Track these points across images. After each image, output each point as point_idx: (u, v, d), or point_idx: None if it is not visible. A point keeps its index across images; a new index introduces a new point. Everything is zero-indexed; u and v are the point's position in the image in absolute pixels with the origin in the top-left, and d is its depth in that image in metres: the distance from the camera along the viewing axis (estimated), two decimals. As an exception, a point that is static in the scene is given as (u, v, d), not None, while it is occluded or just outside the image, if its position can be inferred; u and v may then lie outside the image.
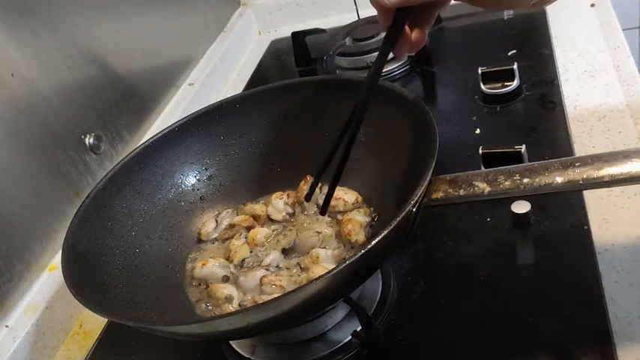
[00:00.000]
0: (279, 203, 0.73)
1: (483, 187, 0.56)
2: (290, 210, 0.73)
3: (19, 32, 0.83)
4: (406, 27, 0.59)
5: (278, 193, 0.74)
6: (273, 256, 0.67)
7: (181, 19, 1.23)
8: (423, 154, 0.57)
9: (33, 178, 0.82)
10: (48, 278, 0.80)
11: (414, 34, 0.60)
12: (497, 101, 0.92)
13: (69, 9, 0.93)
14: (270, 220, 0.74)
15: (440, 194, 0.57)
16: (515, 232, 0.70)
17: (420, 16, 0.60)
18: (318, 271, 0.62)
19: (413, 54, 1.08)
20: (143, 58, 1.10)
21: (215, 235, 0.73)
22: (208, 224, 0.74)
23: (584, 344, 0.56)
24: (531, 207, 0.69)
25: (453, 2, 0.61)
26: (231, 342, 0.67)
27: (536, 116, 0.87)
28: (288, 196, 0.74)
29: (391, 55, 0.62)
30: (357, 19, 1.24)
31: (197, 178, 0.77)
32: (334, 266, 0.50)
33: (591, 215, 0.69)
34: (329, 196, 0.64)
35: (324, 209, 0.66)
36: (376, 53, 1.06)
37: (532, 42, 1.04)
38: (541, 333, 0.58)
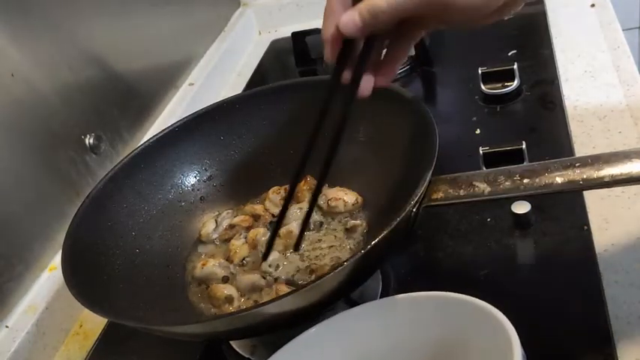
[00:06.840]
0: (276, 198, 0.74)
1: (483, 187, 0.56)
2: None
3: (19, 32, 0.83)
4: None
5: (275, 188, 0.75)
6: (273, 256, 0.67)
7: (181, 19, 1.23)
8: (423, 154, 0.57)
9: (33, 178, 0.82)
10: (48, 278, 0.80)
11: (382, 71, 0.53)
12: (498, 101, 0.92)
13: (69, 9, 0.93)
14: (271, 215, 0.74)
15: (440, 194, 0.57)
16: (515, 232, 0.70)
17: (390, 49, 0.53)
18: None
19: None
20: (143, 58, 1.10)
21: (215, 236, 0.73)
22: (208, 225, 0.74)
23: (584, 344, 0.56)
24: (531, 207, 0.69)
25: None
26: (231, 342, 0.67)
27: (537, 116, 0.87)
28: (285, 190, 0.74)
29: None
30: (357, 19, 1.24)
31: (197, 178, 0.77)
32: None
33: (591, 215, 0.69)
34: (302, 229, 0.61)
35: (297, 246, 0.63)
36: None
37: (532, 42, 1.04)
38: (541, 333, 0.58)
